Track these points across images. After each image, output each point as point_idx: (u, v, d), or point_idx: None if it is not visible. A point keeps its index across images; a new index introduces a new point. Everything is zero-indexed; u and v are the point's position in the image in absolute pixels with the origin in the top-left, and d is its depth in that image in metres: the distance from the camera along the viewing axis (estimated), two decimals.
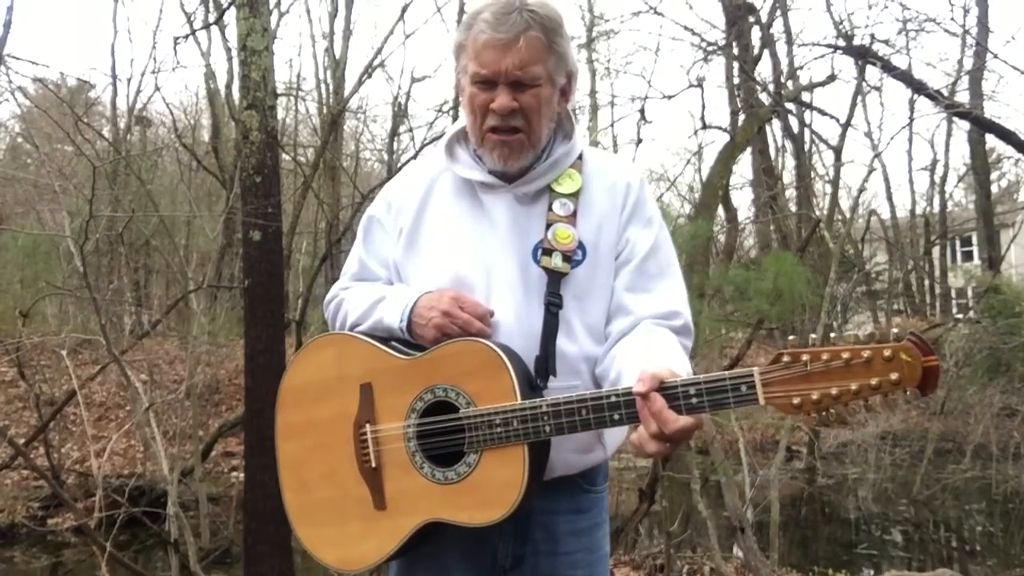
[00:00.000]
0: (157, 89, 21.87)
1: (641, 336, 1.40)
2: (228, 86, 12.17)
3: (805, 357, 1.10)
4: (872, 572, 6.93)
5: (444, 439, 1.36)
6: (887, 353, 1.05)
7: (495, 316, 1.42)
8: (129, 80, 22.41)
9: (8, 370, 10.41)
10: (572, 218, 1.45)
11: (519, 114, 1.40)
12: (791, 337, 1.14)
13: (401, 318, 1.44)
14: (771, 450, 9.11)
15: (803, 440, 10.78)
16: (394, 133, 13.87)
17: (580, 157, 1.52)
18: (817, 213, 12.75)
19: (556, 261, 1.43)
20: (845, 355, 1.07)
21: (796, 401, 1.10)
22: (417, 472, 1.38)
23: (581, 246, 1.45)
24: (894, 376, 1.05)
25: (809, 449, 10.22)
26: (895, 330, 1.07)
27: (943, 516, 8.78)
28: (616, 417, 1.24)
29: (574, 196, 1.47)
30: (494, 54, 1.38)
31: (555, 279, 1.42)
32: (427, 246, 1.51)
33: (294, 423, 1.52)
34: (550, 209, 1.46)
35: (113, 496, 5.50)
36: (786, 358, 1.11)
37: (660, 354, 1.30)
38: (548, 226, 1.45)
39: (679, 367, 1.26)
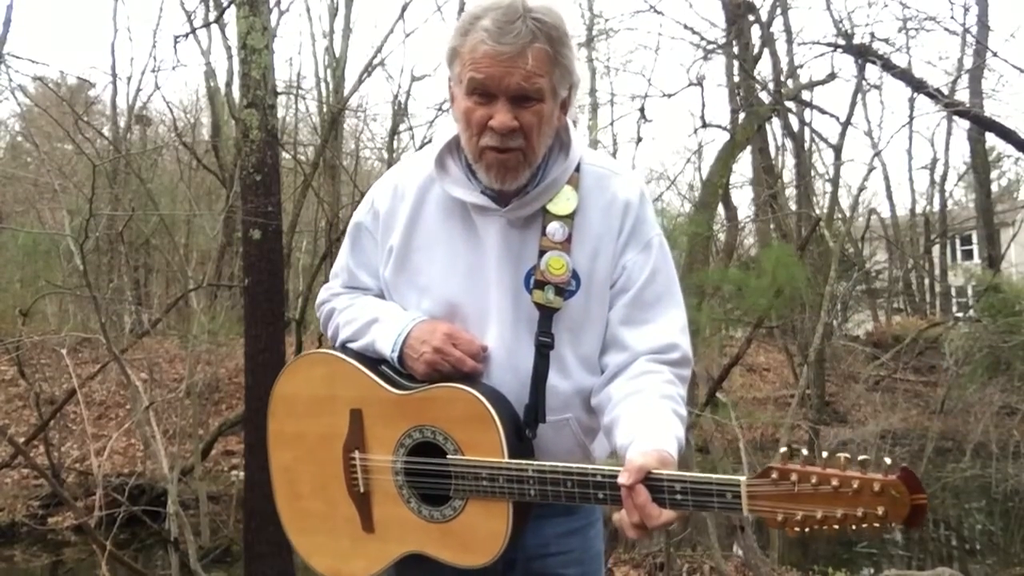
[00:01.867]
0: (157, 88, 21.91)
1: (637, 387, 1.35)
2: (228, 84, 12.15)
3: (794, 477, 1.10)
4: (872, 571, 6.93)
5: (431, 480, 1.37)
6: (876, 487, 1.05)
7: (487, 351, 1.40)
8: (129, 79, 22.38)
9: (8, 369, 10.41)
10: (567, 244, 1.38)
11: (519, 133, 1.31)
12: (783, 449, 1.14)
13: (393, 348, 1.41)
14: (771, 449, 9.11)
15: (803, 439, 10.77)
16: (394, 132, 13.87)
17: (578, 168, 1.43)
18: (817, 212, 12.74)
19: (549, 295, 1.37)
20: (834, 482, 1.07)
21: (780, 518, 1.10)
22: (404, 505, 1.40)
23: (575, 275, 1.39)
24: (880, 510, 1.05)
25: (809, 448, 10.14)
26: (888, 460, 1.07)
27: (943, 515, 8.78)
28: (600, 496, 1.24)
29: (569, 218, 1.39)
30: (496, 67, 1.27)
31: (547, 315, 1.38)
32: (418, 271, 1.46)
33: (285, 432, 1.53)
34: (544, 233, 1.39)
35: (113, 495, 5.51)
36: (775, 474, 1.11)
37: (653, 428, 1.26)
38: (541, 253, 1.38)
39: (670, 441, 1.24)
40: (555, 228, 1.39)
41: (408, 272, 1.46)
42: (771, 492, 1.11)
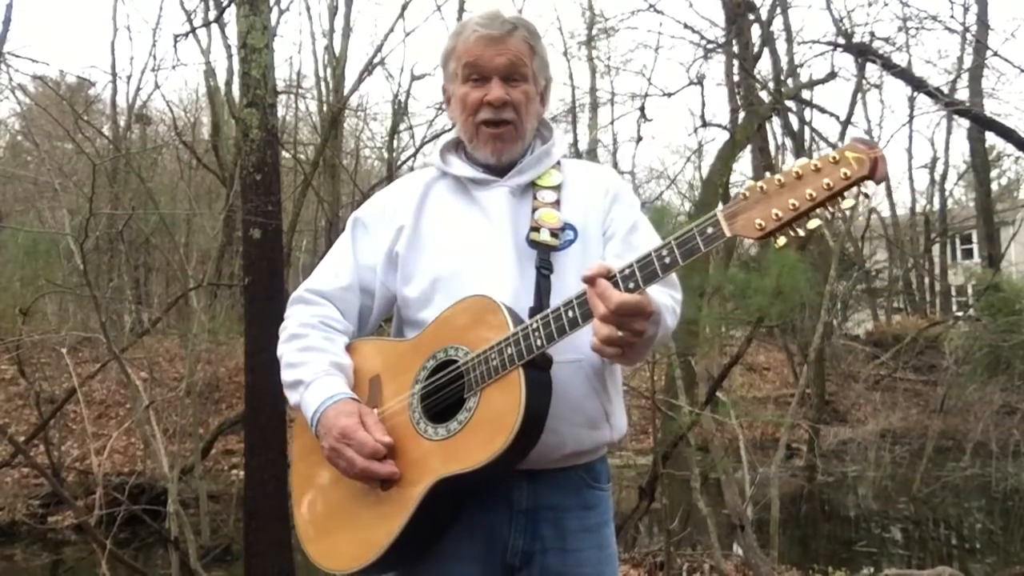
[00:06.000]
0: (157, 87, 21.93)
1: None
2: (228, 84, 12.17)
3: (761, 184, 1.14)
4: (872, 570, 6.93)
5: (445, 391, 1.38)
6: (834, 157, 1.09)
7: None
8: (129, 78, 22.48)
9: (8, 368, 10.43)
10: (556, 204, 1.54)
11: (510, 107, 1.51)
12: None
13: (311, 423, 1.45)
14: (771, 447, 9.12)
15: (803, 438, 10.78)
16: (394, 131, 13.89)
17: (558, 165, 1.61)
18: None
19: (544, 236, 1.49)
20: (796, 170, 1.12)
21: (759, 223, 1.13)
22: (421, 437, 1.37)
23: (570, 226, 1.52)
24: (844, 172, 1.07)
25: (809, 447, 10.23)
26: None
27: (943, 514, 8.78)
28: None
29: (556, 188, 1.57)
30: (488, 48, 1.50)
31: (545, 251, 1.48)
32: (429, 240, 1.56)
33: (308, 443, 1.51)
34: (535, 198, 1.55)
35: (113, 494, 5.52)
36: (746, 192, 1.16)
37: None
38: (534, 211, 1.53)
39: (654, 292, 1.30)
40: (545, 194, 1.56)
41: (419, 243, 1.56)
42: (746, 206, 1.15)
